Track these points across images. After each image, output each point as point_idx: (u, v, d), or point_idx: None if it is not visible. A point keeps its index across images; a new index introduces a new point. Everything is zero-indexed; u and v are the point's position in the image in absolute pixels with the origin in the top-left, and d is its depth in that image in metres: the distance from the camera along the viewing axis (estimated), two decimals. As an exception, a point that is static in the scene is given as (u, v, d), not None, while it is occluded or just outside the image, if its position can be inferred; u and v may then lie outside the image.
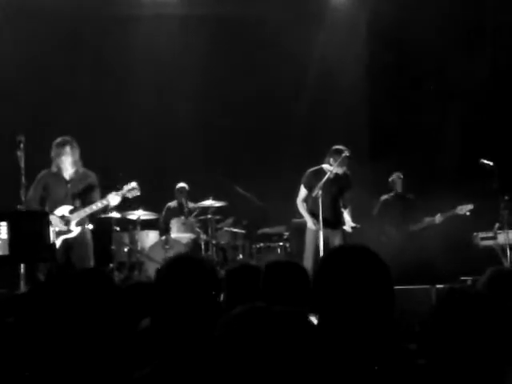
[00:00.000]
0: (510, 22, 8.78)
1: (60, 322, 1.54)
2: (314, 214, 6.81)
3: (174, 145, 8.98)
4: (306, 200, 7.02)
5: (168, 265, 2.36)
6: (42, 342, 1.49)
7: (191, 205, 8.32)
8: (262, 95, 9.13)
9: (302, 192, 7.03)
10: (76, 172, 6.27)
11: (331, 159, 6.87)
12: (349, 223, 7.02)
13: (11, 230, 4.76)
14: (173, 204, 8.47)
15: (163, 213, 8.39)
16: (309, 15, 9.45)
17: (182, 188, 8.41)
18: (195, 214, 8.17)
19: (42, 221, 4.87)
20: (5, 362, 1.52)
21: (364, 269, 1.88)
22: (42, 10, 8.67)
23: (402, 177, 8.11)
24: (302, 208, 7.04)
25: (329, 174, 6.75)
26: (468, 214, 7.71)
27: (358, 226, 7.02)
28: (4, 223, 4.77)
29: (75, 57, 8.96)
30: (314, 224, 6.80)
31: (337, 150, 6.86)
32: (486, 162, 7.64)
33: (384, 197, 8.14)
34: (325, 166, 6.93)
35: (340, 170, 6.89)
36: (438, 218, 7.84)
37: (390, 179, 8.18)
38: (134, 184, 6.23)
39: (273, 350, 1.27)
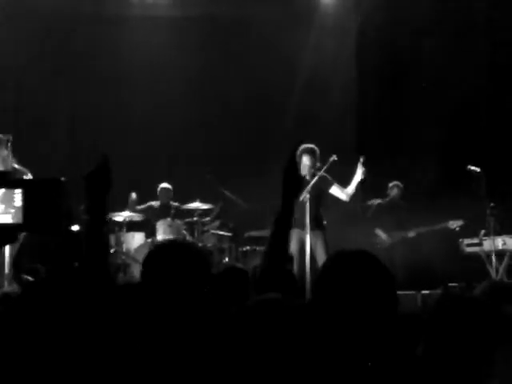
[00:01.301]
0: (506, 23, 8.80)
1: (56, 322, 1.50)
2: (297, 219, 6.70)
3: (165, 146, 8.98)
4: None
5: (158, 250, 2.27)
6: (39, 343, 1.45)
7: (175, 204, 8.26)
8: (254, 96, 9.14)
9: None
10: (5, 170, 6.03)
11: (307, 159, 6.67)
12: (355, 180, 6.78)
13: (26, 198, 4.63)
14: (156, 204, 8.39)
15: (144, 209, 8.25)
16: (300, 17, 9.45)
17: (165, 188, 8.34)
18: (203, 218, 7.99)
19: (58, 190, 4.73)
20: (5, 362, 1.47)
21: (368, 274, 1.88)
22: (37, 11, 8.65)
23: (401, 186, 8.20)
24: None
25: (316, 178, 6.69)
26: (458, 229, 7.79)
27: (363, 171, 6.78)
28: (19, 191, 4.65)
29: (69, 57, 8.93)
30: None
31: (311, 149, 6.71)
32: (473, 168, 7.69)
33: (378, 201, 8.19)
34: (302, 170, 6.66)
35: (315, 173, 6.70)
36: (411, 233, 7.94)
37: (389, 185, 8.26)
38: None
39: (285, 343, 1.23)
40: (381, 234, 8.10)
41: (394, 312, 1.86)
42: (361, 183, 6.83)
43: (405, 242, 8.04)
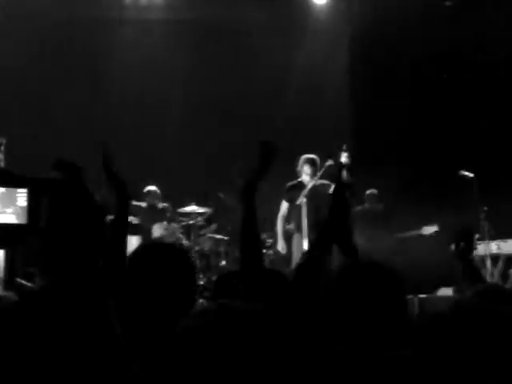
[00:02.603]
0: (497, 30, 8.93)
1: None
2: (297, 225, 6.82)
3: (158, 149, 8.94)
4: (289, 214, 7.03)
5: (140, 252, 2.27)
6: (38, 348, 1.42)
7: (163, 205, 8.20)
8: (247, 100, 9.13)
9: (283, 206, 7.09)
10: None
11: (308, 168, 6.92)
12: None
13: (31, 198, 4.38)
14: (143, 205, 8.32)
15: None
16: (292, 20, 9.50)
17: (152, 191, 8.24)
18: (201, 220, 7.94)
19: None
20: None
21: (380, 286, 1.89)
22: (33, 13, 8.61)
23: (376, 193, 8.22)
24: (279, 226, 7.12)
25: (312, 183, 6.79)
26: (433, 235, 7.83)
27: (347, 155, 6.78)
28: (23, 190, 4.43)
29: (59, 60, 8.88)
30: (283, 249, 7.02)
31: (312, 159, 6.96)
32: (465, 173, 7.79)
33: (357, 208, 8.22)
34: (303, 179, 6.99)
35: (315, 181, 6.86)
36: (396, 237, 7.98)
37: (366, 193, 8.28)
38: None
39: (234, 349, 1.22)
40: (358, 241, 8.04)
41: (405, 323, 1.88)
42: (348, 170, 6.84)
43: (391, 245, 8.05)
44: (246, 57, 9.25)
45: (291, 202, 6.97)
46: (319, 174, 6.88)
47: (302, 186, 6.95)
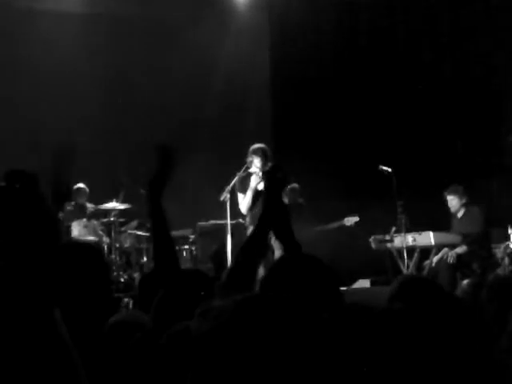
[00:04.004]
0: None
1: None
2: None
3: (78, 144, 8.69)
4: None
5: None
6: None
7: (90, 206, 8.04)
8: (167, 96, 9.02)
9: (240, 198, 6.65)
10: None
11: (254, 159, 6.56)
12: None
13: None
14: (69, 204, 8.11)
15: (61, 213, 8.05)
16: (213, 17, 9.45)
17: (81, 189, 8.10)
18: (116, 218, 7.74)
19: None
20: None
21: (314, 279, 1.94)
22: None
23: (296, 187, 8.28)
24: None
25: (237, 178, 6.69)
26: (353, 225, 8.00)
27: None
28: None
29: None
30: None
31: (258, 149, 6.58)
32: (384, 167, 8.00)
33: None
34: (253, 170, 6.61)
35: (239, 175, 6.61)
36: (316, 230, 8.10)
37: (287, 188, 8.32)
38: None
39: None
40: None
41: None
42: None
43: (314, 237, 8.14)
44: (165, 52, 9.13)
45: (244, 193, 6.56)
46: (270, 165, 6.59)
47: (250, 176, 6.57)
